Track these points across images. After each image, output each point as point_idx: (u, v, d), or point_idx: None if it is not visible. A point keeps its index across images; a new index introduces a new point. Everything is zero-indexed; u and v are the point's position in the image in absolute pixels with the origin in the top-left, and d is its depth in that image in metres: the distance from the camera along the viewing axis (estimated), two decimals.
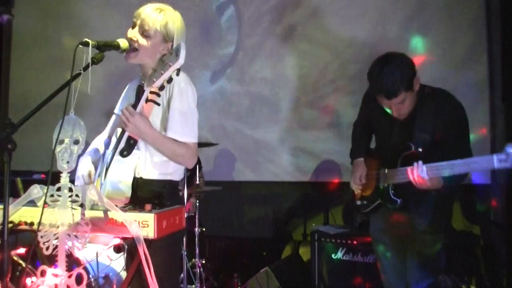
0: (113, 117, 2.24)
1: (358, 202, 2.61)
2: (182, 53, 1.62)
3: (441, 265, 2.40)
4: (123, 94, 2.22)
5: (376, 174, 2.50)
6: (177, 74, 1.70)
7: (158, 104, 1.80)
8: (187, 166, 2.08)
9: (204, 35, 4.53)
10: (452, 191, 2.44)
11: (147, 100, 1.78)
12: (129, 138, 1.88)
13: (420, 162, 2.15)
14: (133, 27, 1.98)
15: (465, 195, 3.68)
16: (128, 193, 1.90)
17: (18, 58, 5.19)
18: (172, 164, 2.02)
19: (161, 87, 1.73)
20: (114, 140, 2.07)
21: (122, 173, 1.91)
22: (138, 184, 1.97)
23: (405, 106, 2.30)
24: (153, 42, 1.95)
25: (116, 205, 1.65)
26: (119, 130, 2.01)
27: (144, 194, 1.96)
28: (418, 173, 2.14)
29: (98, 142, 2.20)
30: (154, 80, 1.70)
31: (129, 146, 1.88)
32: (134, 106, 1.83)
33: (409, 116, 2.35)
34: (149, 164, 1.98)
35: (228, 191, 4.29)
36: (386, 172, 2.43)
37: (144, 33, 1.94)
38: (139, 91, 1.76)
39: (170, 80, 1.71)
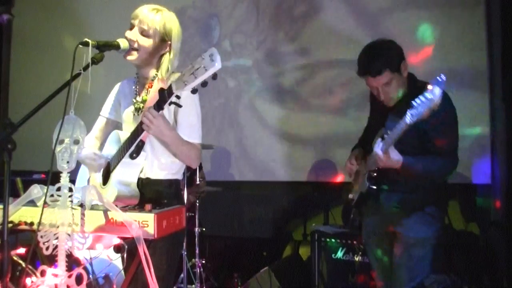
0: (100, 120, 2.24)
1: (350, 196, 2.60)
2: (218, 58, 1.60)
3: (427, 265, 2.36)
4: (113, 97, 2.22)
5: (366, 162, 2.50)
6: (214, 78, 1.66)
7: (180, 106, 1.79)
8: (193, 166, 2.12)
9: (202, 34, 4.53)
10: (438, 188, 2.41)
11: (171, 103, 1.75)
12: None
13: (379, 139, 2.18)
14: (131, 29, 2.00)
15: (465, 195, 3.68)
16: (138, 195, 1.91)
17: (18, 58, 5.20)
18: (176, 163, 2.06)
19: (194, 90, 1.69)
20: (110, 145, 2.06)
21: (130, 176, 1.92)
22: (143, 184, 1.98)
23: (392, 89, 2.29)
24: (153, 42, 1.98)
25: (116, 205, 1.65)
26: (121, 133, 2.01)
27: (151, 194, 1.97)
28: (375, 149, 2.17)
29: (89, 142, 2.19)
30: (186, 83, 1.66)
31: (138, 148, 1.88)
32: (156, 108, 1.79)
33: (400, 110, 2.32)
34: (156, 165, 2.01)
35: (228, 191, 4.29)
36: (369, 158, 2.42)
37: (143, 32, 1.97)
38: (162, 93, 1.75)
39: (204, 83, 1.66)
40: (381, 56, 2.25)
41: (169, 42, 2.01)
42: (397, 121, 2.15)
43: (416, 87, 2.31)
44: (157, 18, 1.98)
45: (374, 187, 2.38)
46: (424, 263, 2.34)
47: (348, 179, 2.66)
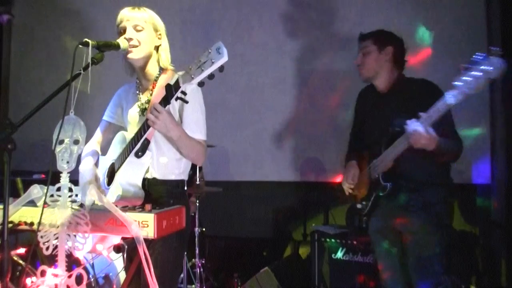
0: (102, 123, 2.25)
1: (359, 206, 2.59)
2: (225, 50, 1.61)
3: (440, 266, 2.37)
4: (114, 101, 2.23)
5: (368, 169, 2.50)
6: (221, 71, 1.66)
7: (187, 102, 1.80)
8: (198, 163, 2.15)
9: (202, 35, 4.52)
10: (446, 189, 2.43)
11: (177, 98, 1.75)
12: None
13: (413, 120, 2.10)
14: (121, 33, 2.01)
15: (465, 195, 3.68)
16: (143, 195, 1.92)
17: (18, 58, 5.19)
18: (183, 162, 2.06)
19: (201, 83, 1.70)
20: (116, 145, 2.06)
21: (135, 175, 1.92)
22: (150, 184, 1.99)
23: (367, 62, 2.45)
24: (148, 32, 2.02)
25: (117, 205, 1.65)
26: (127, 134, 2.01)
27: (157, 194, 1.98)
28: (413, 127, 2.09)
29: (91, 146, 2.20)
30: (193, 76, 1.67)
31: (144, 146, 1.89)
32: (163, 103, 1.80)
33: (390, 105, 2.42)
34: (161, 164, 2.02)
35: (228, 191, 4.28)
36: (375, 162, 2.43)
37: (137, 28, 2.00)
38: (169, 88, 1.76)
39: (211, 76, 1.67)
40: (376, 31, 2.49)
41: (159, 32, 2.06)
42: (403, 116, 2.19)
43: (403, 80, 2.44)
44: (142, 12, 2.04)
45: (389, 183, 2.35)
46: (435, 263, 2.34)
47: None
